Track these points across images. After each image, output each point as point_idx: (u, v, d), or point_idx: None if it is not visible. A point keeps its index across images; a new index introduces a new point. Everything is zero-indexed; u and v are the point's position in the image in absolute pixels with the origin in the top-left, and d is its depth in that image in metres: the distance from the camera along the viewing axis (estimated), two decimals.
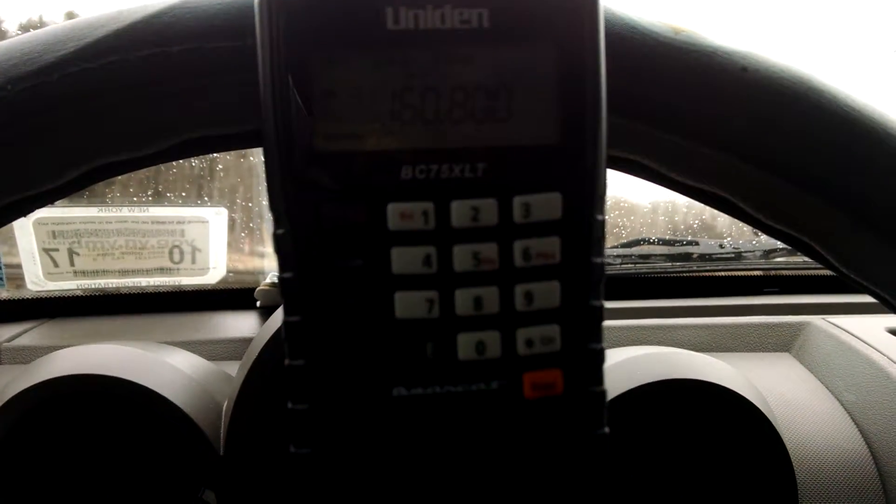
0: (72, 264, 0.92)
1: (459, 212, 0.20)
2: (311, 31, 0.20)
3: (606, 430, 0.22)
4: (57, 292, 0.94)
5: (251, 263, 1.14)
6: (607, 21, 0.23)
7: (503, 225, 0.21)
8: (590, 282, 0.21)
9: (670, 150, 0.27)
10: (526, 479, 0.22)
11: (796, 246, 0.29)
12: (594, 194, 0.21)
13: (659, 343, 0.79)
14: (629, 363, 0.59)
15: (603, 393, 0.22)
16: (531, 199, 0.21)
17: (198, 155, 0.30)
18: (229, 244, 1.00)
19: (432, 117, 0.21)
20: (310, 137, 0.20)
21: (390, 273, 0.20)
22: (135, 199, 1.02)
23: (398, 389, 0.21)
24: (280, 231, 0.21)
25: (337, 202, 0.20)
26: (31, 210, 0.28)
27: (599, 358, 0.22)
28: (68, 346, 0.62)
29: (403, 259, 0.20)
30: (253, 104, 0.21)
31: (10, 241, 0.92)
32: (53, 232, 0.90)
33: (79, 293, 0.95)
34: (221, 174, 1.13)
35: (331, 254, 0.20)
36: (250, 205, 1.07)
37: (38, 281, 0.91)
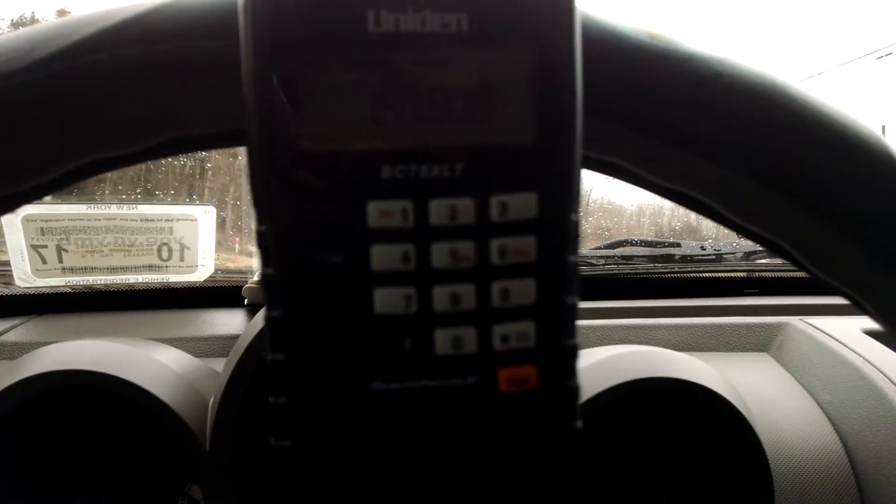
0: (60, 261, 0.92)
1: (438, 210, 0.21)
2: (294, 31, 0.20)
3: (580, 424, 0.23)
4: (45, 289, 0.94)
5: (240, 262, 1.14)
6: (584, 26, 0.24)
7: (480, 223, 0.21)
8: (564, 279, 0.22)
9: (646, 153, 0.28)
10: (500, 471, 0.22)
11: (771, 248, 0.30)
12: (569, 194, 0.22)
13: (639, 342, 0.80)
14: (609, 362, 0.60)
15: (576, 388, 0.22)
16: (508, 199, 0.21)
17: (185, 153, 0.30)
18: (218, 242, 1.00)
19: (412, 118, 0.21)
20: (292, 137, 0.21)
21: (370, 269, 0.21)
22: (123, 196, 1.02)
23: (377, 383, 0.21)
24: (262, 227, 0.21)
25: (318, 200, 0.21)
26: (18, 206, 0.28)
27: (573, 353, 0.22)
28: (56, 342, 0.62)
29: (383, 256, 0.21)
30: (238, 104, 0.22)
31: None
32: (42, 228, 0.90)
33: (67, 290, 0.95)
34: (210, 174, 1.13)
35: (312, 250, 0.21)
36: (239, 203, 1.07)
37: (26, 277, 0.91)
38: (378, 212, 0.21)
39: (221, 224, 1.09)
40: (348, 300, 0.21)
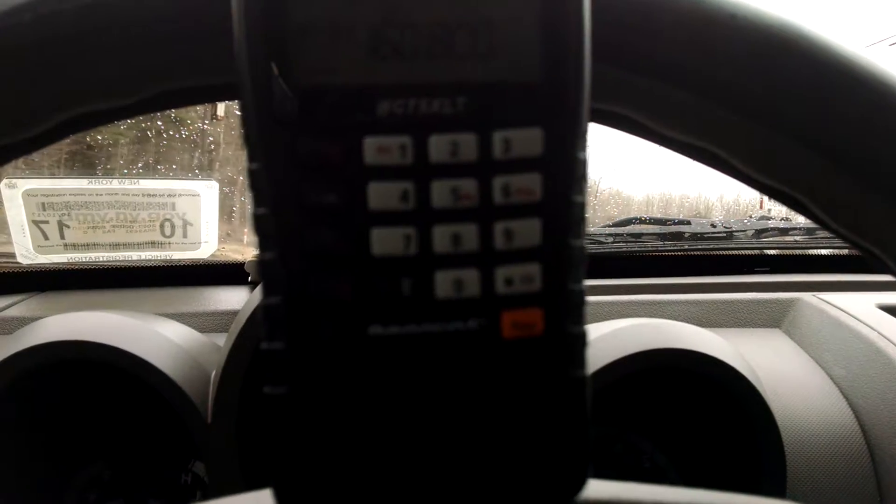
0: (62, 237, 0.92)
1: (438, 146, 0.20)
2: None
3: (587, 372, 0.22)
4: (47, 265, 0.93)
5: (249, 254, 1.13)
6: None
7: (483, 160, 0.20)
8: (571, 221, 0.21)
9: (657, 101, 0.27)
10: (503, 419, 0.21)
11: (786, 201, 0.29)
12: (576, 131, 0.21)
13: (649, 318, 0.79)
14: (617, 334, 0.59)
15: (583, 334, 0.21)
16: (512, 135, 0.20)
17: (179, 107, 0.30)
18: (228, 234, 0.99)
19: (411, 52, 0.20)
20: (285, 71, 0.20)
21: (367, 209, 0.20)
22: (125, 171, 1.02)
23: (375, 328, 0.20)
24: (255, 165, 0.20)
25: (313, 136, 0.20)
26: (7, 161, 0.27)
27: (580, 298, 0.21)
28: None
29: (380, 194, 0.20)
30: (231, 54, 0.21)
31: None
32: (43, 204, 0.90)
33: (69, 266, 0.95)
34: (218, 165, 1.13)
35: (305, 189, 0.20)
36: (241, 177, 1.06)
37: (27, 254, 0.90)
38: (375, 148, 0.20)
39: (229, 215, 1.08)
40: (344, 241, 0.20)
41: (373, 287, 0.20)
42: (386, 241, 0.20)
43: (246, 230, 1.20)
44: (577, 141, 0.21)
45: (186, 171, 1.12)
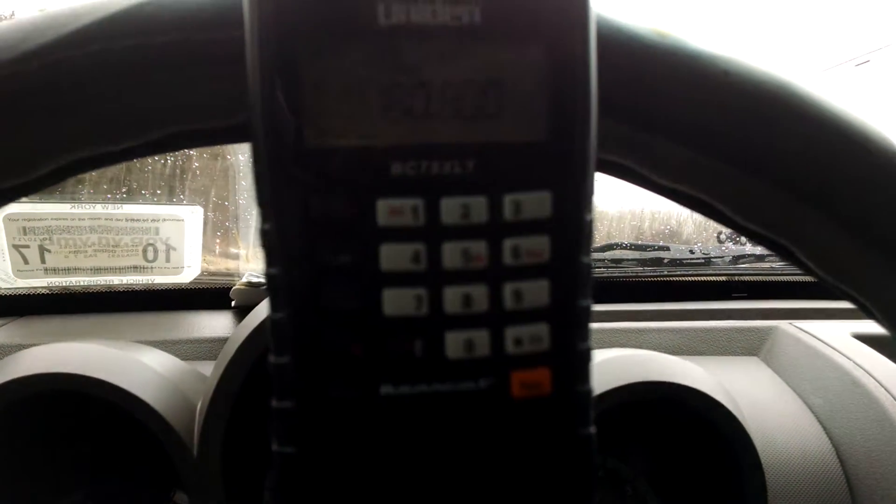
0: (43, 261, 0.90)
1: (449, 209, 0.20)
2: (301, 23, 0.20)
3: (593, 429, 0.22)
4: (27, 290, 0.92)
5: (220, 264, 1.12)
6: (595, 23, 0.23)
7: (493, 223, 0.20)
8: (578, 281, 0.21)
9: (652, 152, 0.27)
10: (512, 478, 0.21)
11: (773, 249, 0.30)
12: (583, 193, 0.21)
13: (630, 346, 0.80)
14: (602, 366, 0.59)
15: (589, 392, 0.22)
16: (522, 198, 0.21)
17: (181, 149, 0.30)
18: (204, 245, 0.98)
19: (422, 113, 0.20)
20: (298, 131, 0.20)
21: (378, 270, 0.20)
22: (108, 196, 1.00)
23: (386, 387, 0.20)
24: (266, 226, 0.20)
25: (325, 197, 0.20)
26: (4, 204, 0.27)
27: (587, 357, 0.22)
28: (38, 344, 0.61)
29: (392, 255, 0.20)
30: (239, 98, 0.21)
31: None
32: (24, 228, 0.88)
33: (49, 291, 0.93)
34: (189, 177, 1.12)
35: (318, 249, 0.20)
36: (226, 203, 1.05)
37: (6, 278, 0.89)
38: (388, 210, 0.20)
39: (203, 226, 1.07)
40: (356, 301, 0.20)
41: (384, 347, 0.20)
42: (398, 301, 0.20)
43: (218, 241, 1.19)
44: (584, 202, 0.21)
45: (155, 190, 1.10)
